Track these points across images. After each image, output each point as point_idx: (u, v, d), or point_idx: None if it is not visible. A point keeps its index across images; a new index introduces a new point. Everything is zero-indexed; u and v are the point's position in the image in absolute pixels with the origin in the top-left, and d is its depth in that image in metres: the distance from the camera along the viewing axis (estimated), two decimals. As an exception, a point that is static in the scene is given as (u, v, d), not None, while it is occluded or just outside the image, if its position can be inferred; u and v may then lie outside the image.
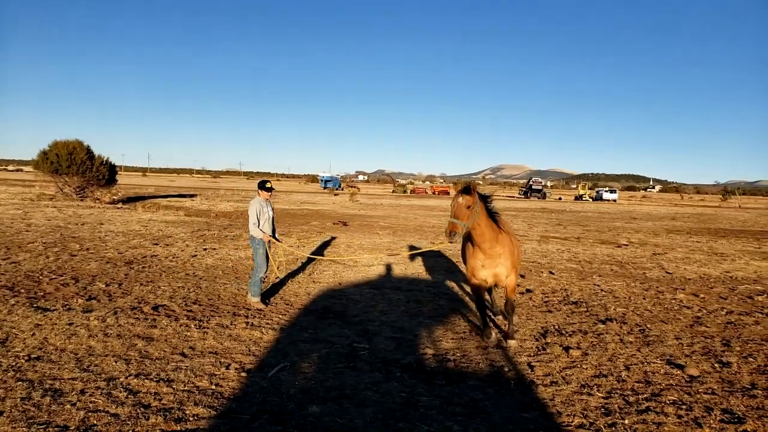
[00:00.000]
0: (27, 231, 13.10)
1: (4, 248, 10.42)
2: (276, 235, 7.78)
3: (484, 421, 4.15)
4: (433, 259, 12.11)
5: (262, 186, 7.61)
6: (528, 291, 9.11)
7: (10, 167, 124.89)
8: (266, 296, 7.83)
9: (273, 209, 7.78)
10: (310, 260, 10.95)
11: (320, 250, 12.79)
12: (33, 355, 4.95)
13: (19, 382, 4.34)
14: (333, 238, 15.20)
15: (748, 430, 4.08)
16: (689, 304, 8.40)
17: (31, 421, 3.73)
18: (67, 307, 6.66)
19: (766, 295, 9.22)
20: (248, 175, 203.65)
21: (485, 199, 6.08)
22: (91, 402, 4.09)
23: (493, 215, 6.11)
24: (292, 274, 9.64)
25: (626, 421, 4.17)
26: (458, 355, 5.70)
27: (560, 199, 73.83)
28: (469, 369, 5.30)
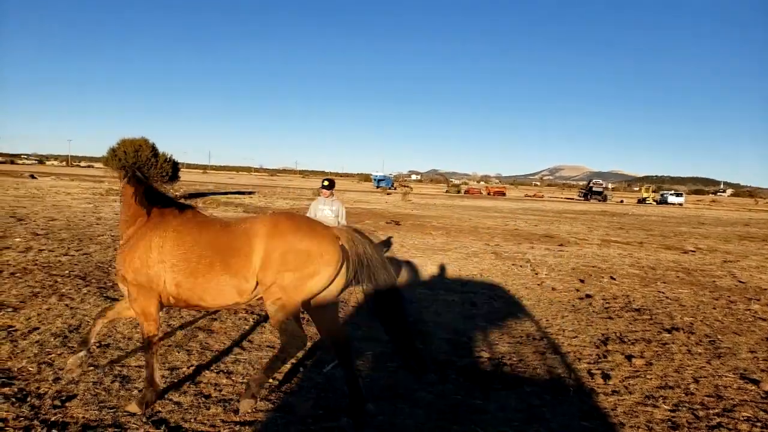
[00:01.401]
0: (97, 224, 13.82)
1: (77, 240, 11.02)
2: None
3: (542, 427, 4.04)
4: (488, 261, 11.94)
5: (321, 184, 7.63)
6: (587, 296, 8.84)
7: (82, 163, 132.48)
8: None
9: (338, 207, 7.60)
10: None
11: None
12: (103, 342, 5.20)
13: (91, 368, 4.57)
14: (387, 238, 15.24)
15: None
16: (764, 316, 7.93)
17: (102, 404, 3.92)
18: (135, 297, 6.95)
19: None
20: (303, 173, 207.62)
21: None
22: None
23: None
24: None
25: (695, 437, 3.96)
26: (515, 359, 5.59)
27: (622, 202, 71.43)
28: (526, 374, 5.18)
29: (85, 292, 7.01)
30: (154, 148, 25.60)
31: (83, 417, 3.71)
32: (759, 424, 4.22)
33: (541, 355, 5.75)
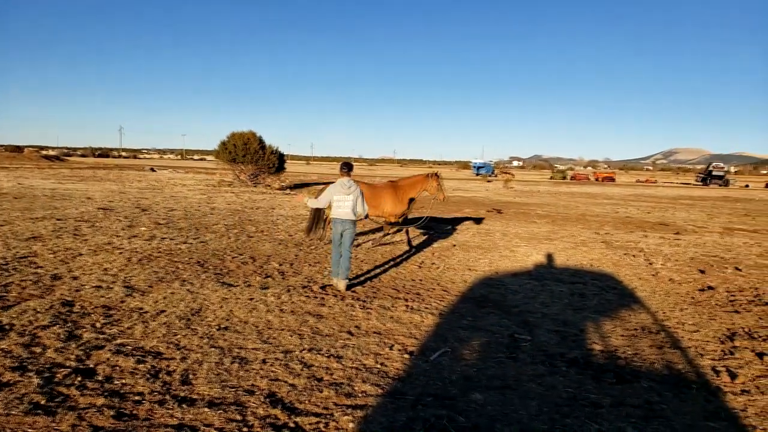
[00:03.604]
0: (211, 214, 14.75)
1: (194, 229, 11.83)
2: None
3: (662, 425, 3.81)
4: (598, 251, 11.35)
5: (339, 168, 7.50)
6: (709, 288, 8.17)
7: (195, 157, 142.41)
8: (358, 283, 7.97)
9: (355, 197, 7.25)
10: (463, 248, 10.90)
11: (474, 239, 12.65)
12: (222, 326, 5.53)
13: (213, 349, 4.87)
14: (487, 226, 14.94)
15: None
16: None
17: (224, 384, 4.17)
18: (247, 283, 7.35)
19: None
20: (402, 162, 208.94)
21: None
22: (271, 371, 4.45)
23: None
24: (448, 261, 9.64)
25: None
26: (629, 353, 5.29)
27: (747, 186, 65.18)
28: (643, 368, 4.89)
29: (204, 278, 7.50)
30: (261, 141, 26.79)
31: (208, 394, 3.97)
32: None
33: (658, 349, 5.41)
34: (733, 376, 4.77)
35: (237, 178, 27.18)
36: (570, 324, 6.20)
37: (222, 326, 5.51)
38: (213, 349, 4.87)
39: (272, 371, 4.46)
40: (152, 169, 44.75)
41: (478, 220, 16.27)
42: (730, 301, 7.48)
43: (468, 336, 5.62)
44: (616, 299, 7.41)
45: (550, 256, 10.45)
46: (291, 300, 6.61)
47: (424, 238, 12.23)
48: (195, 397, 3.92)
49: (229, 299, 6.49)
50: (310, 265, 8.75)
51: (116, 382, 4.08)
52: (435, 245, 11.23)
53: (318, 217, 10.52)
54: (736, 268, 9.80)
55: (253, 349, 4.95)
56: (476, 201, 25.26)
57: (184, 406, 3.76)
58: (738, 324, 6.35)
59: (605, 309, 6.88)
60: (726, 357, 5.25)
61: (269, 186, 27.07)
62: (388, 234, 11.35)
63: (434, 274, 8.56)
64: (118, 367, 4.33)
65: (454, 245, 11.44)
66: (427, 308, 6.58)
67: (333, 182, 7.47)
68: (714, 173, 70.04)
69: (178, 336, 5.14)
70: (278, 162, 27.55)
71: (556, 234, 13.87)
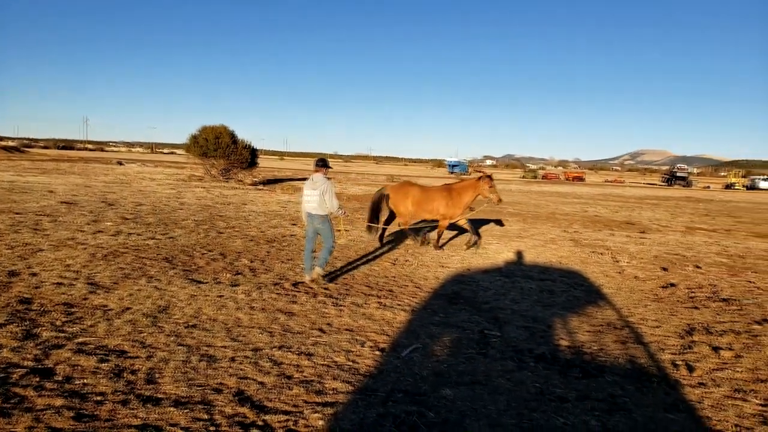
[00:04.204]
0: (180, 209, 14.49)
1: (163, 224, 11.60)
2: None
3: (624, 418, 3.90)
4: (567, 248, 11.54)
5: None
6: (671, 285, 8.38)
7: (165, 150, 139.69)
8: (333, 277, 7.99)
9: (322, 187, 7.27)
10: (435, 246, 10.97)
11: (446, 236, 12.71)
12: (190, 323, 5.42)
13: (180, 347, 4.77)
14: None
15: None
16: None
17: (191, 382, 4.08)
18: (217, 280, 7.23)
19: None
20: (377, 159, 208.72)
21: None
22: (240, 369, 4.39)
23: None
24: (421, 258, 9.67)
25: (789, 433, 3.71)
26: (595, 348, 5.39)
27: (708, 187, 67.23)
28: (607, 363, 4.99)
29: (172, 274, 7.35)
30: (233, 135, 26.41)
31: (174, 393, 3.89)
32: None
33: (622, 345, 5.53)
34: (691, 369, 4.91)
35: (208, 173, 26.77)
36: (539, 320, 6.28)
37: (190, 324, 5.40)
38: (180, 347, 4.77)
39: (241, 369, 4.39)
40: (120, 163, 43.79)
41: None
42: (690, 297, 7.68)
43: (439, 332, 5.64)
44: (583, 296, 7.54)
45: (520, 254, 10.57)
46: (262, 297, 6.53)
47: (398, 235, 12.22)
48: (160, 396, 3.83)
49: (198, 296, 6.37)
50: (282, 262, 8.66)
51: (76, 382, 3.96)
52: (409, 242, 11.24)
53: (373, 214, 10.71)
54: (697, 266, 10.07)
55: (221, 347, 4.86)
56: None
57: (148, 405, 3.67)
58: (697, 319, 6.54)
59: (573, 305, 6.99)
60: (685, 351, 5.39)
61: (241, 181, 26.76)
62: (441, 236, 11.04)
63: (407, 271, 8.57)
64: (78, 367, 4.20)
65: (428, 243, 11.46)
66: (399, 305, 6.58)
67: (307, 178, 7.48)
68: (678, 174, 72.08)
69: (144, 334, 5.02)
70: (250, 157, 27.21)
71: (527, 232, 14.05)
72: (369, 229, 10.68)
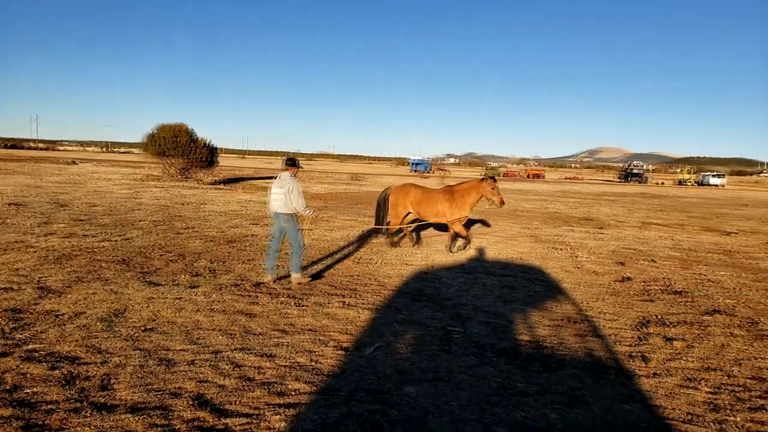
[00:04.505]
0: (137, 210, 14.11)
1: (119, 226, 11.27)
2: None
3: (583, 410, 3.99)
4: (527, 245, 11.74)
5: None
6: (627, 279, 8.63)
7: (122, 149, 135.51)
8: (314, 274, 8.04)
9: (287, 186, 7.27)
10: (400, 243, 10.99)
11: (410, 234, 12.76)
12: (147, 327, 5.28)
13: (136, 351, 4.64)
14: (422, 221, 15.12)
15: None
16: (808, 298, 7.65)
17: (148, 387, 3.97)
18: (176, 282, 7.06)
19: None
20: (340, 158, 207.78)
21: None
22: (200, 372, 4.29)
23: None
24: (384, 256, 9.67)
25: (737, 419, 3.90)
26: (555, 342, 5.49)
27: (661, 183, 69.63)
28: (567, 357, 5.09)
29: (128, 277, 7.14)
30: (192, 134, 25.90)
31: (130, 399, 3.77)
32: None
33: (581, 338, 5.65)
34: (646, 360, 5.06)
35: (166, 173, 26.16)
36: (500, 315, 6.35)
37: (147, 327, 5.26)
38: (136, 351, 4.64)
39: (200, 372, 4.30)
40: (73, 162, 42.31)
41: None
42: (645, 290, 7.92)
43: (403, 330, 5.64)
44: (543, 291, 7.68)
45: (482, 250, 10.69)
46: (222, 299, 6.40)
47: (362, 234, 12.20)
48: (115, 402, 3.71)
49: (156, 299, 6.21)
50: (242, 262, 8.52)
51: (26, 390, 3.80)
52: (372, 241, 11.23)
53: (379, 216, 10.67)
54: (651, 260, 10.40)
55: (180, 350, 4.75)
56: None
57: (102, 413, 3.55)
58: (651, 312, 6.74)
59: (533, 300, 7.11)
60: (640, 343, 5.55)
61: (200, 181, 26.25)
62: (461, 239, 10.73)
63: (371, 270, 8.55)
64: (28, 375, 4.04)
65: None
66: (363, 304, 6.55)
67: (275, 177, 7.47)
68: (633, 171, 74.31)
69: (98, 339, 4.86)
70: (210, 156, 26.74)
71: (488, 228, 14.22)
72: (377, 232, 10.69)
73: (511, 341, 5.49)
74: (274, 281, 7.32)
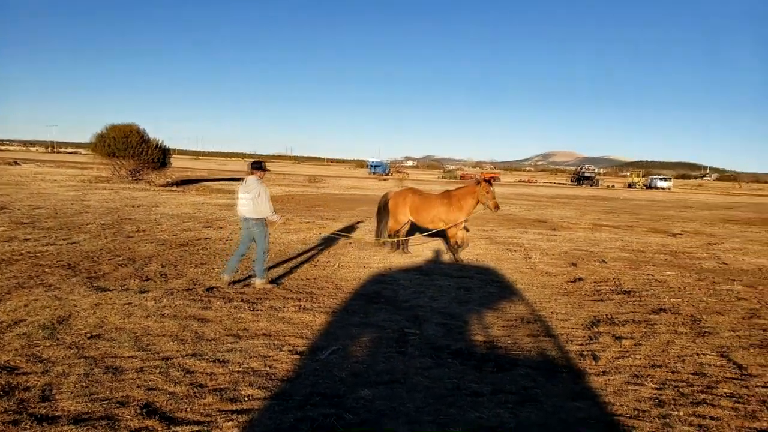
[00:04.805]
0: (85, 212, 13.60)
1: (64, 229, 10.83)
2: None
3: (535, 408, 4.06)
4: (482, 246, 11.92)
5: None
6: (579, 279, 8.86)
7: (68, 150, 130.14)
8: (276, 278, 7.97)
9: (255, 190, 7.24)
10: (357, 245, 10.96)
11: (368, 236, 12.76)
12: (93, 334, 5.09)
13: (81, 359, 4.46)
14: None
15: None
16: (745, 296, 8.07)
17: (93, 397, 3.82)
18: (125, 287, 6.84)
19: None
20: (297, 159, 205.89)
21: None
22: (149, 380, 4.16)
23: None
24: (342, 259, 9.63)
25: (680, 413, 4.03)
26: (508, 342, 5.57)
27: (612, 186, 71.96)
28: (520, 356, 5.18)
29: (74, 282, 6.87)
30: (143, 134, 25.22)
31: (73, 410, 3.62)
32: (740, 400, 4.31)
33: (534, 338, 5.76)
34: (596, 359, 5.19)
35: (116, 174, 25.35)
36: (456, 317, 6.42)
37: (93, 334, 5.07)
38: (81, 359, 4.46)
39: (149, 380, 4.16)
40: (15, 162, 40.44)
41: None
42: (596, 290, 8.14)
43: (359, 333, 5.63)
44: (498, 292, 7.80)
45: (439, 252, 10.79)
46: (173, 303, 6.23)
47: (320, 236, 12.12)
48: (57, 414, 3.55)
49: (103, 305, 5.99)
50: (195, 266, 8.32)
51: (-40, 403, 3.59)
52: (330, 243, 11.17)
53: (380, 224, 10.62)
54: (602, 261, 10.71)
55: (128, 357, 4.59)
56: (372, 199, 25.51)
57: (43, 424, 3.39)
58: (602, 311, 6.93)
59: (488, 301, 7.22)
60: (591, 342, 5.69)
61: (152, 182, 25.54)
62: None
63: (327, 273, 8.49)
64: (-38, 387, 3.82)
65: (349, 243, 11.45)
66: (319, 307, 6.50)
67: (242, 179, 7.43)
68: (585, 174, 76.43)
69: (40, 347, 4.65)
70: (162, 157, 26.08)
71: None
72: (378, 239, 10.65)
73: (467, 342, 5.55)
74: (229, 284, 7.19)
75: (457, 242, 10.12)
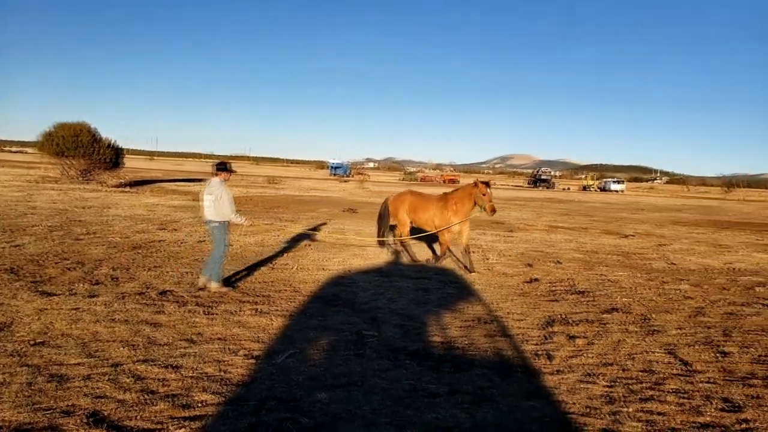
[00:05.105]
0: (31, 214, 13.05)
1: (7, 231, 10.37)
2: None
3: (491, 408, 4.10)
4: (433, 248, 12.00)
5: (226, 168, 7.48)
6: (535, 280, 9.03)
7: (13, 148, 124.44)
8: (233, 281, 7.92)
9: (216, 192, 7.19)
10: (317, 248, 10.89)
11: (328, 238, 12.70)
12: (37, 340, 4.88)
13: (23, 367, 4.27)
14: (341, 226, 15.11)
15: (747, 418, 4.10)
16: (692, 295, 8.38)
17: (36, 406, 3.66)
18: (72, 291, 6.59)
19: (765, 287, 9.23)
20: (256, 160, 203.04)
21: None
22: (96, 388, 4.01)
23: None
24: (301, 262, 9.54)
25: (629, 409, 4.15)
26: (465, 342, 5.63)
27: (567, 189, 73.70)
28: (477, 357, 5.23)
29: (17, 287, 6.58)
30: (95, 133, 24.41)
31: (15, 420, 3.46)
32: (685, 395, 4.47)
33: (490, 338, 5.83)
34: (550, 358, 5.30)
35: (65, 174, 24.44)
36: (414, 318, 6.44)
37: (37, 341, 4.86)
38: (24, 368, 4.26)
39: (97, 388, 4.02)
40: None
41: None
42: (551, 291, 8.32)
43: (316, 336, 5.58)
44: (456, 293, 7.88)
45: (398, 254, 10.80)
46: (124, 308, 6.04)
47: (278, 239, 11.98)
48: (-3, 425, 3.38)
49: (48, 310, 5.76)
50: (148, 269, 8.09)
51: None
52: (289, 246, 11.05)
53: (380, 228, 10.54)
54: (557, 262, 10.95)
55: (75, 364, 4.42)
56: (332, 201, 25.43)
57: (-19, 437, 3.23)
58: (556, 311, 7.08)
59: (446, 302, 7.28)
60: (545, 342, 5.81)
61: (104, 183, 24.74)
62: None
63: (286, 275, 8.40)
64: None
65: (308, 245, 11.35)
66: (276, 310, 6.41)
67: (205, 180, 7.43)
68: (542, 177, 77.94)
69: (-21, 355, 4.43)
70: (115, 157, 25.32)
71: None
72: (380, 243, 10.57)
73: (424, 343, 5.58)
74: (199, 289, 7.17)
75: (466, 248, 9.68)
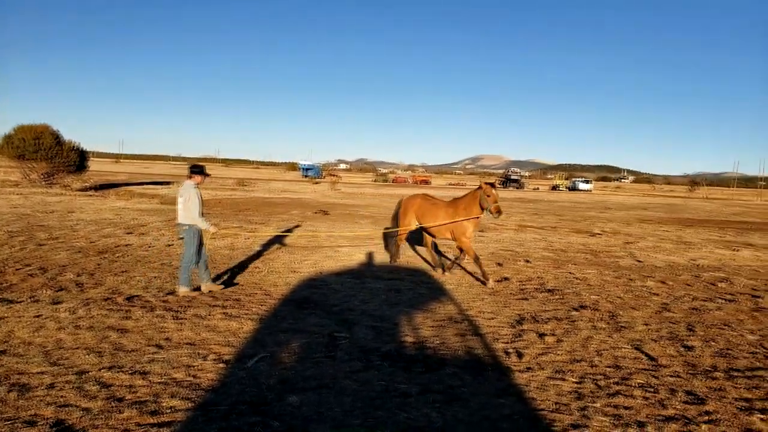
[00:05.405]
0: (-8, 220, 12.64)
1: (-33, 237, 10.02)
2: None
3: (462, 407, 4.14)
4: (415, 249, 12.06)
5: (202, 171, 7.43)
6: (505, 279, 9.15)
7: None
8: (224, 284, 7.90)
9: (186, 195, 7.18)
10: (288, 250, 10.82)
11: (300, 240, 12.62)
12: (-1, 349, 4.73)
13: (-16, 376, 4.14)
14: (313, 228, 15.02)
15: (710, 410, 4.23)
16: (657, 291, 8.62)
17: (-3, 417, 3.55)
18: (35, 298, 6.42)
19: (727, 282, 9.56)
20: (226, 162, 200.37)
21: None
22: (60, 396, 3.91)
23: None
24: (272, 264, 9.46)
25: (597, 405, 4.25)
26: (437, 342, 5.67)
27: (537, 189, 74.74)
28: (448, 356, 5.27)
29: (-24, 294, 6.37)
30: (57, 136, 23.79)
31: (-26, 432, 3.35)
32: (650, 389, 4.61)
33: (461, 337, 5.88)
34: (520, 356, 5.37)
35: (26, 178, 23.76)
36: (386, 319, 6.46)
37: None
38: (-14, 377, 4.13)
39: (61, 396, 3.92)
40: None
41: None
42: (521, 289, 8.43)
43: (287, 339, 5.55)
44: (428, 293, 7.92)
45: (371, 255, 10.83)
46: (89, 314, 5.90)
47: (248, 242, 11.85)
48: (-45, 437, 3.27)
49: (9, 318, 5.60)
50: (114, 274, 7.92)
51: None
52: (260, 249, 10.95)
53: (395, 225, 10.27)
54: (527, 261, 11.10)
55: (37, 373, 4.31)
56: (304, 202, 25.27)
57: (-63, 450, 3.12)
58: (526, 310, 7.19)
59: (418, 303, 7.31)
60: (516, 340, 5.88)
61: (68, 186, 24.10)
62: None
63: (256, 279, 8.32)
64: None
65: (280, 248, 11.27)
66: (246, 314, 6.35)
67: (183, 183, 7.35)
68: (511, 177, 78.82)
69: (-66, 367, 4.27)
70: (79, 159, 24.71)
71: (378, 234, 14.40)
72: (387, 246, 10.49)
73: (396, 344, 5.59)
74: (192, 290, 7.18)
75: (475, 255, 9.30)
